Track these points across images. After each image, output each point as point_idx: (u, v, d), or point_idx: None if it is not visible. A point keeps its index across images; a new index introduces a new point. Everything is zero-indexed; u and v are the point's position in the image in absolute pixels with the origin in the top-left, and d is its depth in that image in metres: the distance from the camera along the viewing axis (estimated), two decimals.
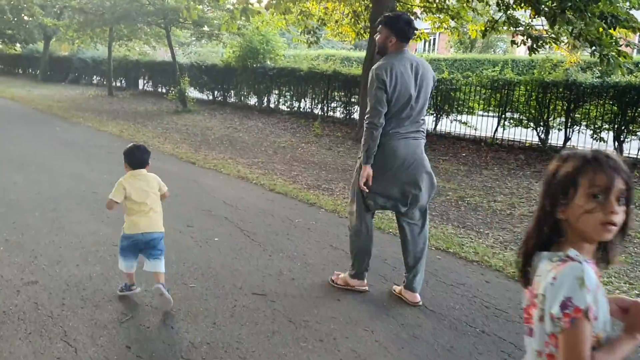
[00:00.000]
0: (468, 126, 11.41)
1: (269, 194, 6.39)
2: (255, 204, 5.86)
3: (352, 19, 12.86)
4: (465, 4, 12.15)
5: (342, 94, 14.09)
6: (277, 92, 16.06)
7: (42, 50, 29.21)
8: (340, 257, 4.28)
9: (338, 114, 14.14)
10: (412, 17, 3.83)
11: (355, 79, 13.35)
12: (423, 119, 3.48)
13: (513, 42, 9.68)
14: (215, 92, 18.32)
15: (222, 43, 16.59)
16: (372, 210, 3.58)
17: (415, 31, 3.49)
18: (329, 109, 14.34)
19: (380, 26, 3.45)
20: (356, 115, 13.76)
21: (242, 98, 17.20)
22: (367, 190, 3.36)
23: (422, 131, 3.48)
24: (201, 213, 5.42)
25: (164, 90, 20.72)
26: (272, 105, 16.05)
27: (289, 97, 15.48)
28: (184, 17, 13.29)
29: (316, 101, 14.80)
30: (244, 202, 5.89)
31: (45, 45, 28.09)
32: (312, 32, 13.07)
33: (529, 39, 9.23)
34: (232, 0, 12.38)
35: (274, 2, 11.65)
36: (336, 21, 13.23)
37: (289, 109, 15.27)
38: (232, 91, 17.76)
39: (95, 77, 25.87)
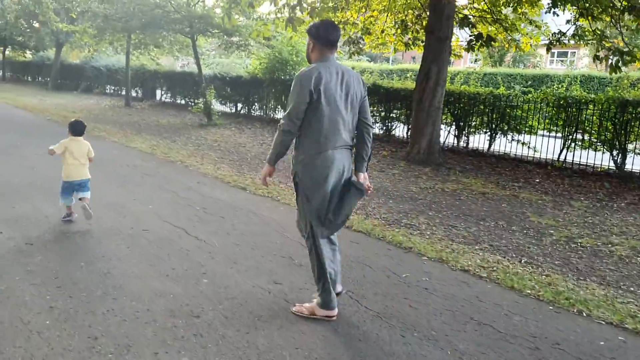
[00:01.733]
0: (529, 147, 10.41)
1: (349, 233, 5.35)
2: (352, 253, 4.81)
3: (399, 29, 11.88)
4: (522, 16, 11.20)
5: (381, 108, 13.11)
6: None
7: (53, 58, 28.31)
8: (496, 339, 3.23)
9: (376, 130, 13.15)
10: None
11: (397, 93, 12.38)
12: (353, 130, 3.38)
13: (596, 57, 8.66)
14: (239, 105, 17.35)
15: (250, 54, 15.60)
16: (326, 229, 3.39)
17: (337, 38, 3.35)
18: None
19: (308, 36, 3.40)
20: (398, 132, 12.77)
21: (269, 111, 16.23)
22: (266, 186, 3.72)
23: (352, 144, 3.40)
24: (283, 262, 4.38)
25: (183, 102, 19.80)
26: None
27: None
28: (221, 24, 12.33)
29: None
30: None
31: (56, 52, 27.16)
32: (355, 42, 12.08)
33: (615, 54, 8.22)
34: (271, 8, 11.40)
35: (318, 9, 10.67)
36: (382, 31, 12.24)
37: None
38: (257, 104, 16.79)
39: (108, 86, 24.93)
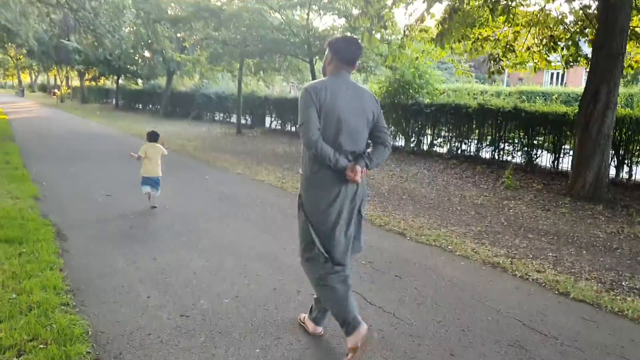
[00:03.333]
0: None
1: (569, 303, 4.11)
2: (596, 340, 3.58)
3: (547, 46, 10.49)
4: None
5: (522, 134, 11.68)
6: (430, 131, 13.93)
7: (163, 86, 29.04)
8: None
9: (518, 159, 11.70)
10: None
11: (543, 117, 10.93)
12: (364, 149, 3.16)
13: None
14: None
15: (370, 74, 14.70)
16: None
17: (357, 56, 3.16)
18: (504, 152, 11.94)
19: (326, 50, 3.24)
20: (543, 161, 11.25)
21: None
22: (359, 181, 3.01)
23: (365, 159, 3.09)
24: (512, 353, 3.23)
25: (293, 129, 19.24)
26: (424, 147, 13.87)
27: (449, 137, 13.25)
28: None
29: (484, 143, 12.48)
30: (577, 336, 3.65)
31: (167, 80, 27.82)
32: (496, 60, 10.81)
33: None
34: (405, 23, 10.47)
35: (456, 25, 9.57)
36: (528, 48, 10.89)
37: (448, 152, 13.04)
38: None
39: (217, 113, 25.01)
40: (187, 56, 20.35)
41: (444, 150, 13.29)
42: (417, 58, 12.89)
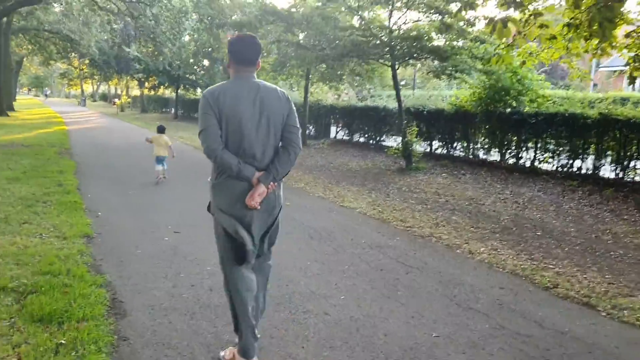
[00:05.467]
0: None
1: None
2: None
3: None
4: None
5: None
6: (532, 145, 11.95)
7: None
8: None
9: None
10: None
11: None
12: (273, 153, 2.98)
13: None
14: (434, 144, 14.62)
15: (462, 82, 12.87)
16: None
17: (253, 56, 2.95)
18: (634, 172, 9.86)
19: None
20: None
21: (476, 152, 13.24)
22: (257, 208, 2.87)
23: (272, 172, 2.90)
24: None
25: (362, 140, 17.61)
26: (525, 163, 11.89)
27: (558, 152, 11.25)
28: (432, 47, 9.82)
29: (606, 160, 10.44)
30: None
31: None
32: None
33: None
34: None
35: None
36: None
37: (558, 170, 11.03)
38: (457, 143, 13.95)
39: None
40: None
41: (550, 167, 11.30)
42: (524, 62, 10.97)
